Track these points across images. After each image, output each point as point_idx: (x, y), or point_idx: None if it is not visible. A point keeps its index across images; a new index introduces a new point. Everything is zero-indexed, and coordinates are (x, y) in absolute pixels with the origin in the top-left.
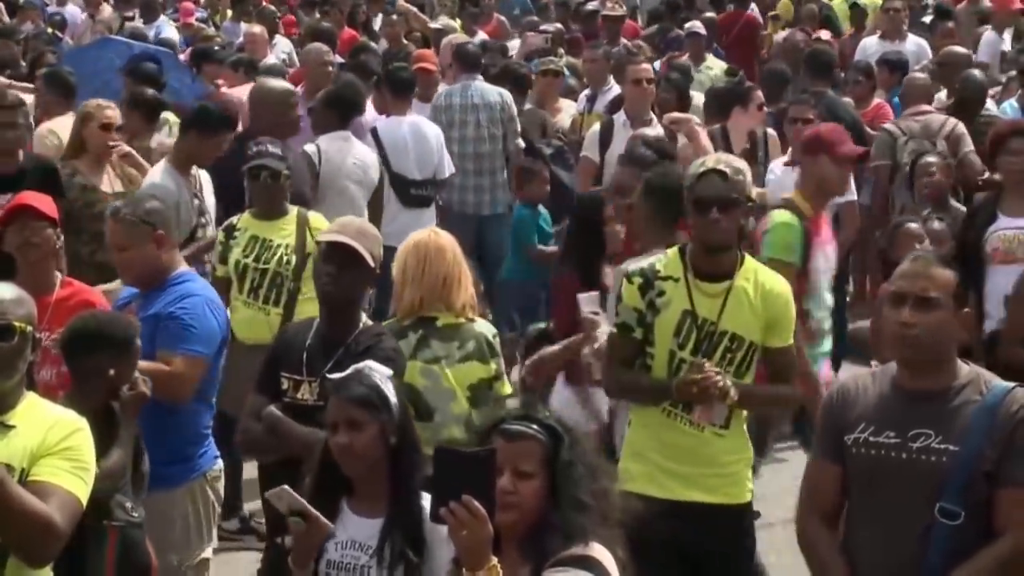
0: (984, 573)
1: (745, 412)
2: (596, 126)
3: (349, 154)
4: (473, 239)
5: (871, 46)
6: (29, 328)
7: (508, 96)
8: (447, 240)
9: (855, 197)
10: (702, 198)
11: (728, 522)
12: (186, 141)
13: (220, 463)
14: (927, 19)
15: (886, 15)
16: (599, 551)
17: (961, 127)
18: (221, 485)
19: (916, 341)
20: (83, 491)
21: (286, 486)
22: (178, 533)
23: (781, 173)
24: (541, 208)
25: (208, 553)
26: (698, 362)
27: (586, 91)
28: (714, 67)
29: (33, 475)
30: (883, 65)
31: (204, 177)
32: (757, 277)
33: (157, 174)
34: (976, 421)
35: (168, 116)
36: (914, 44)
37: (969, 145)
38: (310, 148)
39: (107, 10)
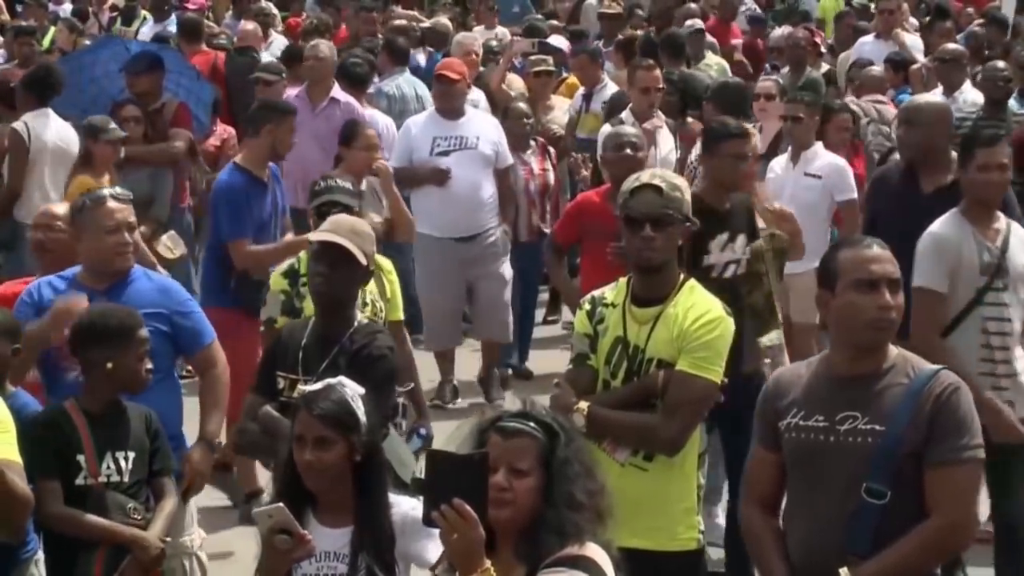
0: (910, 553)
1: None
2: (606, 128)
3: (51, 130)
4: None
5: (865, 44)
6: None
7: None
8: None
9: (855, 195)
10: (635, 214)
11: (663, 571)
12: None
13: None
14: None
15: (881, 16)
16: (594, 551)
17: None
18: None
19: (894, 324)
20: (16, 455)
21: (281, 503)
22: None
23: (782, 171)
24: None
25: (202, 532)
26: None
27: (581, 90)
28: (713, 64)
29: None
30: (888, 64)
31: None
32: (692, 301)
33: None
34: (902, 403)
35: None
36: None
37: None
38: (19, 125)
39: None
